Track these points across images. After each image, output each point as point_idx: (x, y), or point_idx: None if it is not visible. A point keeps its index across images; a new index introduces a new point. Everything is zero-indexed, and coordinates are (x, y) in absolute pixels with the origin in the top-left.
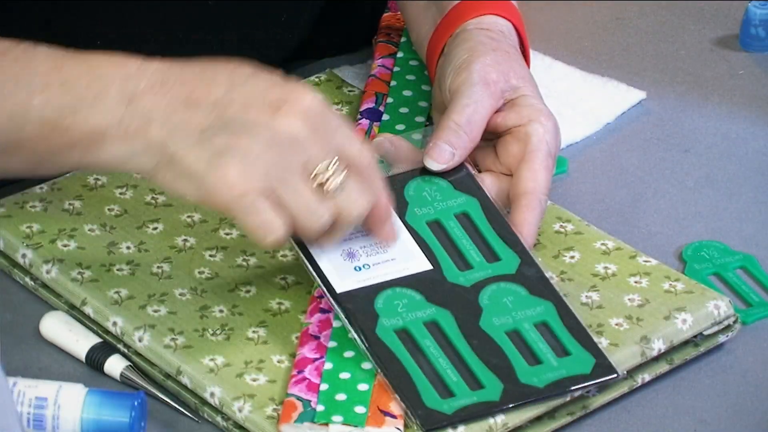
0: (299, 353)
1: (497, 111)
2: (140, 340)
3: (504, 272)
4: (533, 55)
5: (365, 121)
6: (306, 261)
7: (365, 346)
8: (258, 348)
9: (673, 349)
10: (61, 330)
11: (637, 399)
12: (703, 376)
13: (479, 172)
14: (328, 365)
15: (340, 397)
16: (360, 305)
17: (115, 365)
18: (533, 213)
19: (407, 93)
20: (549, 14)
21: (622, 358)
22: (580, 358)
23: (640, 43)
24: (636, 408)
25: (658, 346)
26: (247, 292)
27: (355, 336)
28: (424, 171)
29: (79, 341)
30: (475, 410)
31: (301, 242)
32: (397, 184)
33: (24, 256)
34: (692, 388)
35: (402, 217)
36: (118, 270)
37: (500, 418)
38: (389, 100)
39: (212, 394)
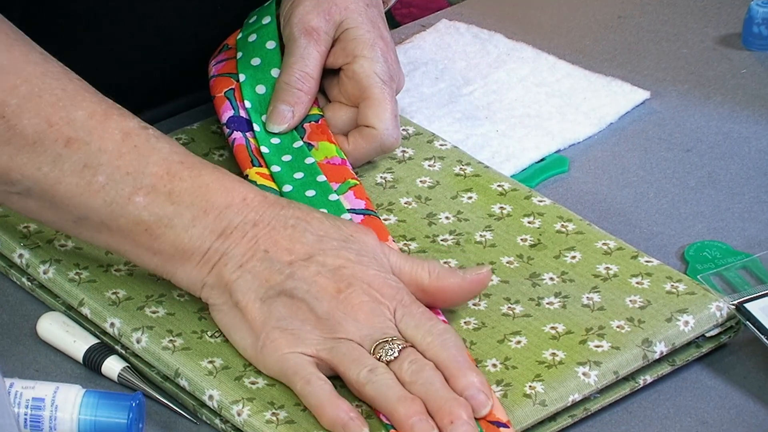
0: None
1: (331, 49)
2: (138, 342)
3: None
4: (536, 53)
5: (238, 135)
6: None
7: None
8: None
9: (675, 351)
10: (58, 331)
11: (639, 400)
12: (706, 377)
13: (329, 101)
14: None
15: None
16: None
17: (112, 366)
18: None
19: (261, 89)
20: (551, 13)
21: (624, 362)
22: None
23: (642, 41)
24: (638, 409)
25: (660, 348)
26: None
27: None
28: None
29: (76, 342)
30: None
31: None
32: None
33: (21, 256)
34: (694, 390)
35: None
36: (116, 271)
37: None
38: (247, 104)
39: (210, 397)
